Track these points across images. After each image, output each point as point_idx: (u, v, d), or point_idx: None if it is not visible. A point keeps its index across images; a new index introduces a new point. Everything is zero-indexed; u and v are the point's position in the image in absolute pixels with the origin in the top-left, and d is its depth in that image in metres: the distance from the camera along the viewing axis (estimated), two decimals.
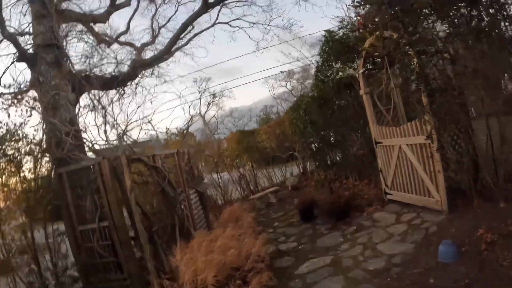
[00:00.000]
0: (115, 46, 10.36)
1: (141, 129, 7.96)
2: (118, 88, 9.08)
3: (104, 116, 6.99)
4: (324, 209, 6.77)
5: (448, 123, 4.68)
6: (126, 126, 6.55)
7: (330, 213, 6.54)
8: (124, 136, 7.09)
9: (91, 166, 5.46)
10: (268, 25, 11.10)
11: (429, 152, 5.10)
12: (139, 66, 9.62)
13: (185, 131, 10.07)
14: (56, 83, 6.23)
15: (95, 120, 6.90)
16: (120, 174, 5.27)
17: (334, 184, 9.32)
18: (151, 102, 11.31)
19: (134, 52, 10.85)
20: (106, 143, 6.75)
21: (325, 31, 7.95)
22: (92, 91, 7.55)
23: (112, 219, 5.24)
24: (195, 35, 11.18)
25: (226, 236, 4.92)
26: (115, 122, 7.22)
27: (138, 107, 7.05)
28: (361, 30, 6.07)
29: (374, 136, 6.59)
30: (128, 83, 9.61)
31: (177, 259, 4.71)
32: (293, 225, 7.33)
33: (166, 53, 10.08)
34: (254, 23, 11.03)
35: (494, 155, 4.87)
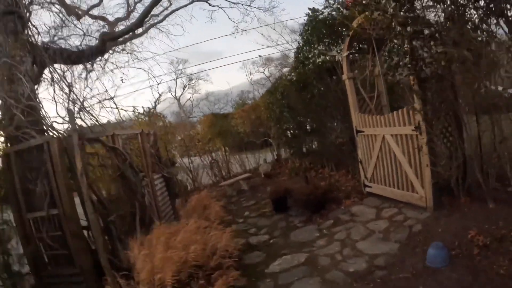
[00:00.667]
0: (86, 19, 9.46)
1: (103, 106, 7.21)
2: (85, 63, 8.33)
3: (68, 93, 6.24)
4: (299, 199, 6.33)
5: (443, 113, 4.27)
6: (83, 101, 5.75)
7: (305, 204, 6.11)
8: (83, 114, 6.35)
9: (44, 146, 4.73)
10: (249, 5, 10.42)
11: (416, 144, 4.71)
12: (108, 39, 8.83)
13: (152, 110, 9.24)
14: (14, 54, 5.42)
15: (53, 96, 6.14)
16: (72, 156, 4.57)
17: (309, 173, 8.93)
18: (122, 80, 10.59)
19: (107, 26, 9.99)
20: (66, 121, 5.99)
21: (309, 8, 7.37)
22: (56, 65, 6.78)
23: (62, 206, 4.57)
24: (172, 11, 10.39)
25: (189, 229, 4.35)
26: (75, 98, 6.48)
27: (96, 79, 6.22)
28: (349, 9, 5.54)
29: (355, 125, 6.15)
30: (98, 59, 8.92)
31: (134, 253, 4.11)
32: (265, 215, 6.87)
33: (138, 26, 9.23)
34: (234, 3, 10.30)
35: (481, 152, 4.56)
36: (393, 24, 4.27)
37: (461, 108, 4.33)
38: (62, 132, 5.27)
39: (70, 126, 4.69)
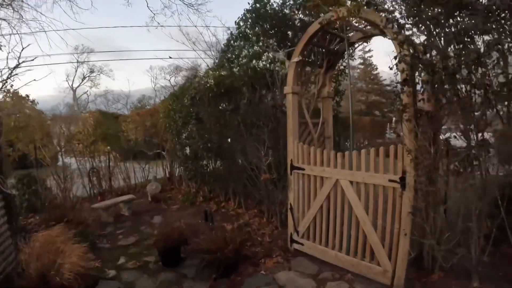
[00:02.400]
0: None
1: None
2: None
3: None
4: (199, 253, 4.38)
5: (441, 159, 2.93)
6: None
7: (209, 264, 4.19)
8: None
9: None
10: None
11: (392, 199, 3.32)
12: None
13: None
14: None
15: None
16: None
17: (210, 205, 7.05)
18: (1, 48, 7.51)
19: None
20: None
21: None
22: None
23: None
24: None
25: None
26: None
27: None
28: None
29: (291, 157, 4.55)
30: None
31: None
32: (147, 268, 4.66)
33: None
34: None
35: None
36: None
37: None
38: None
39: None
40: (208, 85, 5.87)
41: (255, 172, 5.55)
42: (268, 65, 5.31)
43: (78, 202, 7.61)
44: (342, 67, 5.68)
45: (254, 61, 5.38)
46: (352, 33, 4.41)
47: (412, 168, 3.08)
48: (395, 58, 2.82)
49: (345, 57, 4.75)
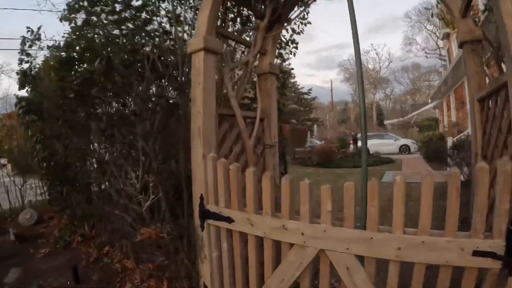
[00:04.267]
0: None
1: None
2: None
3: None
4: None
5: None
6: None
7: None
8: None
9: None
10: None
11: None
12: None
13: None
14: None
15: None
16: None
17: (89, 252, 4.53)
18: None
19: None
20: None
21: None
22: None
23: None
24: None
25: None
26: None
27: None
28: None
29: (201, 191, 2.17)
30: None
31: None
32: None
33: None
34: None
35: None
36: None
37: None
38: None
39: None
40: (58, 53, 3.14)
41: (132, 217, 3.07)
42: (166, 25, 2.84)
43: None
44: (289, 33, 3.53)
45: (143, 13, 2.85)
46: None
47: None
48: None
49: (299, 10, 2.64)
